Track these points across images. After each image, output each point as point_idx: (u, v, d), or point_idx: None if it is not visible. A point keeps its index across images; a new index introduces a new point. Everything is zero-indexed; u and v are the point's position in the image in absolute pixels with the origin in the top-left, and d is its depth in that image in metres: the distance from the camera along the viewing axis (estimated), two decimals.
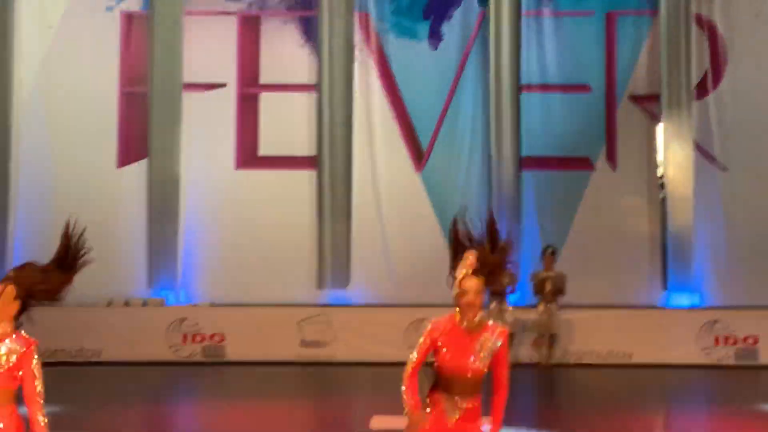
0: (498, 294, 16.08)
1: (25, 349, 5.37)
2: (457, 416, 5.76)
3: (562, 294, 16.25)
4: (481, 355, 5.70)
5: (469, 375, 5.70)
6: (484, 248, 5.78)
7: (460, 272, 5.74)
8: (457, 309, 5.76)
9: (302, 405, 12.92)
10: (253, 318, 16.77)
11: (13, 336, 5.40)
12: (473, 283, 5.69)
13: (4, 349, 5.35)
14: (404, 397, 5.75)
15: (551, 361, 16.23)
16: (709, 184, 17.89)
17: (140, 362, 16.09)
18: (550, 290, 16.20)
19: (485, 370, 5.73)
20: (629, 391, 14.08)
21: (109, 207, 17.77)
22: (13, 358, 5.35)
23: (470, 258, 5.71)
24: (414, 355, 5.83)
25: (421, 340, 5.85)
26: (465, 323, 5.73)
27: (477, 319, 5.72)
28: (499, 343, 5.71)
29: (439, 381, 5.87)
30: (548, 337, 16.24)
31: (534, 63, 18.04)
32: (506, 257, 5.87)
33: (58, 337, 16.41)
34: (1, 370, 5.33)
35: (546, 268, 16.40)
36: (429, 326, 5.84)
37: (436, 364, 5.86)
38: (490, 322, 5.80)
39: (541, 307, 16.25)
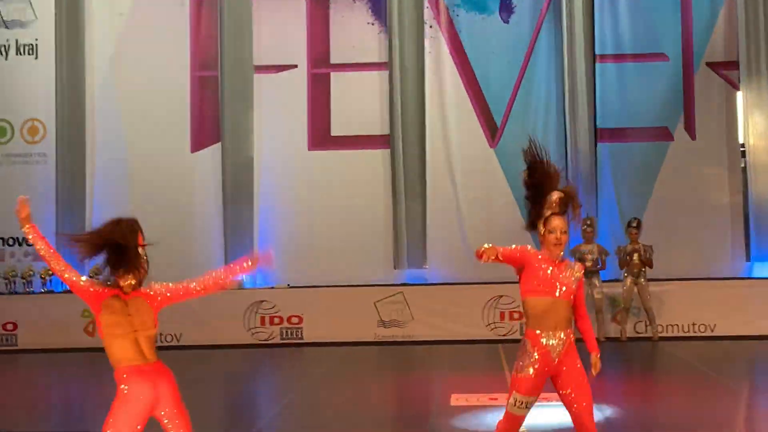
0: (588, 271, 15.89)
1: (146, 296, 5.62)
2: (561, 350, 6.04)
3: (649, 267, 15.97)
4: (569, 278, 6.10)
5: (559, 297, 6.05)
6: (567, 187, 6.26)
7: (546, 211, 6.13)
8: (543, 247, 6.18)
9: (383, 384, 12.89)
10: (330, 299, 16.78)
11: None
12: (559, 222, 6.10)
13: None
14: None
15: (655, 335, 16.00)
16: None
17: (219, 345, 16.20)
18: (637, 264, 15.95)
19: (572, 295, 6.11)
20: (718, 362, 13.80)
21: (184, 192, 17.92)
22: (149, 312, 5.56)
23: (555, 197, 6.00)
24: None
25: (513, 246, 6.22)
26: (551, 257, 6.14)
27: (561, 255, 6.18)
28: (580, 274, 6.17)
29: (532, 319, 6.13)
30: (640, 312, 16.03)
31: (608, 32, 17.74)
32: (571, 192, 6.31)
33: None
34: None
35: (632, 241, 16.13)
36: (525, 246, 6.26)
37: (525, 298, 6.15)
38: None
39: (627, 281, 16.01)
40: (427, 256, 17.64)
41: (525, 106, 17.84)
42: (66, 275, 5.45)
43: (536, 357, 6.02)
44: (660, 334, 16.16)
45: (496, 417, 6.39)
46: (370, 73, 18.07)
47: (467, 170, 17.84)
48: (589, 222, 16.15)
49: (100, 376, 13.79)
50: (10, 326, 16.84)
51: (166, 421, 5.45)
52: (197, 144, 18.15)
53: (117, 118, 18.09)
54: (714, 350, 15.12)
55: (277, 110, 18.05)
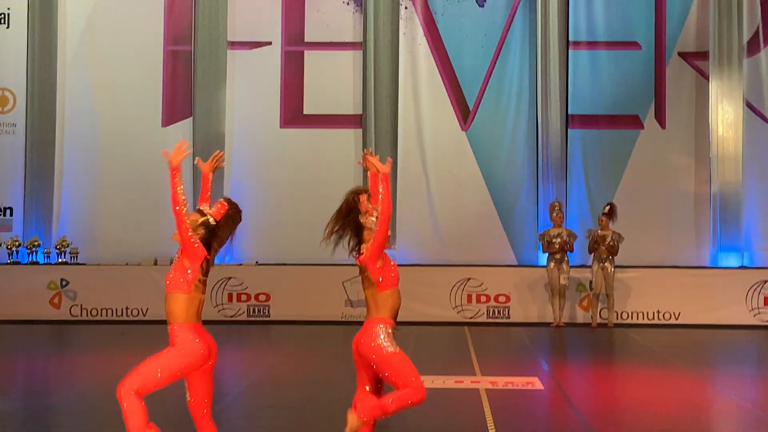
0: (557, 253, 15.94)
1: None
2: None
3: (614, 254, 16.04)
4: None
5: None
6: None
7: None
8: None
9: (348, 363, 12.92)
10: (298, 277, 16.80)
11: None
12: None
13: None
14: None
15: (611, 321, 16.09)
16: (759, 142, 17.63)
17: None
18: (603, 250, 16.02)
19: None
20: (680, 350, 13.92)
21: (155, 165, 17.80)
22: None
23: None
24: None
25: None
26: None
27: None
28: None
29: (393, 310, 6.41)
30: (606, 298, 16.08)
31: (582, 19, 17.81)
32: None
33: (106, 295, 16.55)
34: None
35: (602, 227, 16.19)
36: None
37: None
38: None
39: (595, 267, 16.09)
40: (396, 236, 17.66)
41: (497, 90, 17.89)
42: None
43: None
44: (625, 321, 16.31)
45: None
46: (344, 53, 18.06)
47: (439, 152, 17.89)
48: (557, 206, 16.26)
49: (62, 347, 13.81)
50: None
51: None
52: (169, 118, 18.09)
53: (88, 90, 17.99)
54: (678, 338, 15.25)
55: (249, 86, 18.02)
